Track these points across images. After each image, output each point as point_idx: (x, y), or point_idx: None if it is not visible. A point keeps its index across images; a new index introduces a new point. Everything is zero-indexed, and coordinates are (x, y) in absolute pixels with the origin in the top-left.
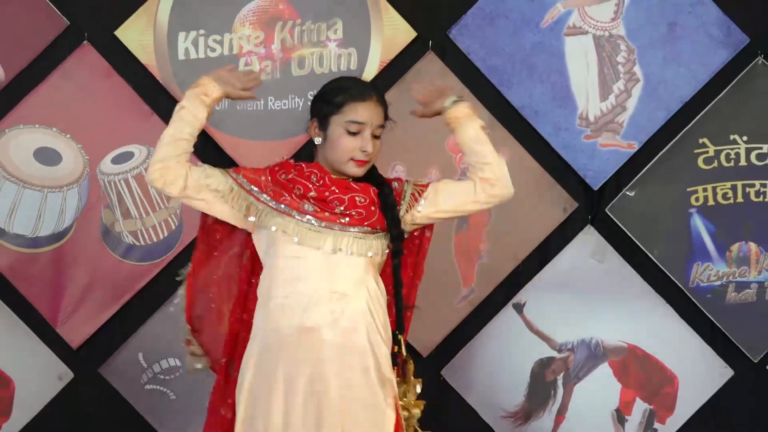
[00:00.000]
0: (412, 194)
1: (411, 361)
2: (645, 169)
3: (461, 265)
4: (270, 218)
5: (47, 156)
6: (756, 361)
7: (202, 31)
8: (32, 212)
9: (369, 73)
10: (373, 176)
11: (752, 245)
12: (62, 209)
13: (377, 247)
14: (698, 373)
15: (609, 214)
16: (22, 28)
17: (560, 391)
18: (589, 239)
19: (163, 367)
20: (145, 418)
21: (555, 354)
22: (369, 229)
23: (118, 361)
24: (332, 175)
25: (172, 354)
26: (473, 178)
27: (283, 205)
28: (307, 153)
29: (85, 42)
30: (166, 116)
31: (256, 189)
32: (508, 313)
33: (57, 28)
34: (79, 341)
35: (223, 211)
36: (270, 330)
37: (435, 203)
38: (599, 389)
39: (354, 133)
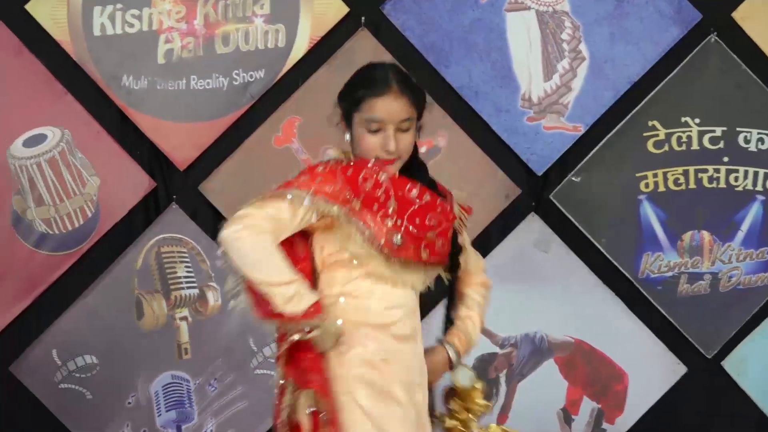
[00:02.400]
0: (460, 218)
1: None
2: (591, 153)
3: None
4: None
5: None
6: (710, 357)
7: (119, 5)
8: None
9: (298, 51)
10: (422, 176)
11: (705, 234)
12: None
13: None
14: (649, 370)
15: (553, 200)
16: None
17: (503, 389)
18: (532, 228)
19: (79, 365)
20: (59, 419)
21: (497, 350)
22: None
23: (30, 359)
24: (424, 192)
25: (89, 351)
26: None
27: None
28: (235, 136)
29: None
30: (80, 96)
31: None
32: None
33: None
34: None
35: None
36: None
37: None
38: (544, 387)
39: (374, 131)
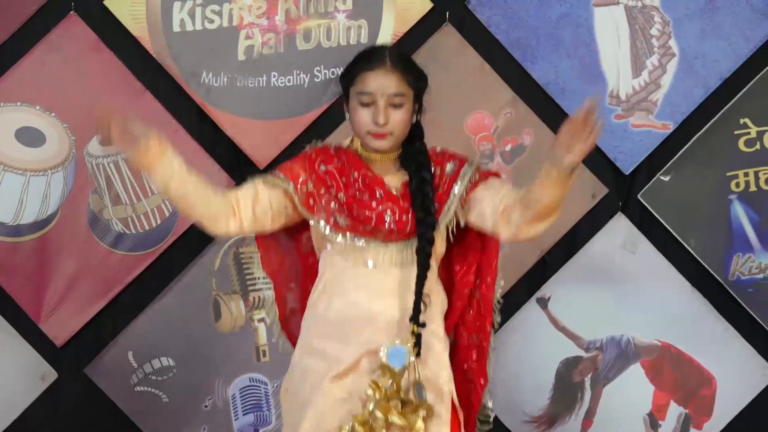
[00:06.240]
0: (473, 181)
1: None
2: (681, 151)
3: None
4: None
5: (30, 136)
6: None
7: (199, 1)
8: (13, 198)
9: None
10: (414, 156)
11: None
12: (46, 194)
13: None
14: (738, 374)
15: (641, 200)
16: None
17: (588, 393)
18: (619, 228)
19: (155, 368)
20: (135, 422)
21: (582, 353)
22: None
23: (106, 361)
24: (367, 172)
25: (165, 353)
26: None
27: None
28: (315, 133)
29: (71, 12)
30: (158, 93)
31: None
32: (531, 308)
33: None
34: (64, 338)
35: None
36: None
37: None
38: (630, 391)
39: (366, 105)
